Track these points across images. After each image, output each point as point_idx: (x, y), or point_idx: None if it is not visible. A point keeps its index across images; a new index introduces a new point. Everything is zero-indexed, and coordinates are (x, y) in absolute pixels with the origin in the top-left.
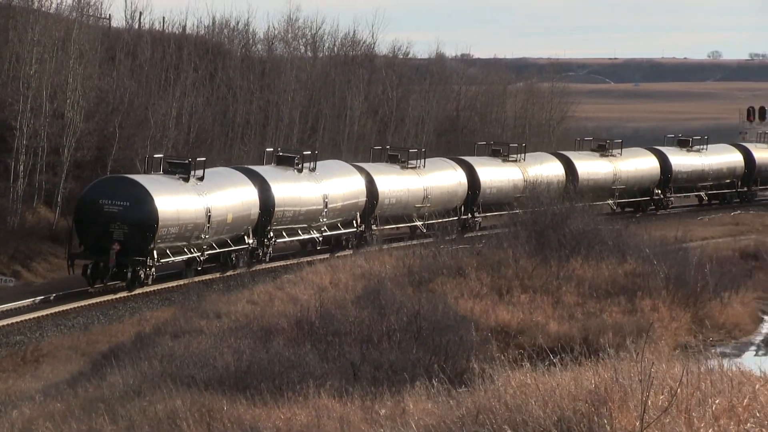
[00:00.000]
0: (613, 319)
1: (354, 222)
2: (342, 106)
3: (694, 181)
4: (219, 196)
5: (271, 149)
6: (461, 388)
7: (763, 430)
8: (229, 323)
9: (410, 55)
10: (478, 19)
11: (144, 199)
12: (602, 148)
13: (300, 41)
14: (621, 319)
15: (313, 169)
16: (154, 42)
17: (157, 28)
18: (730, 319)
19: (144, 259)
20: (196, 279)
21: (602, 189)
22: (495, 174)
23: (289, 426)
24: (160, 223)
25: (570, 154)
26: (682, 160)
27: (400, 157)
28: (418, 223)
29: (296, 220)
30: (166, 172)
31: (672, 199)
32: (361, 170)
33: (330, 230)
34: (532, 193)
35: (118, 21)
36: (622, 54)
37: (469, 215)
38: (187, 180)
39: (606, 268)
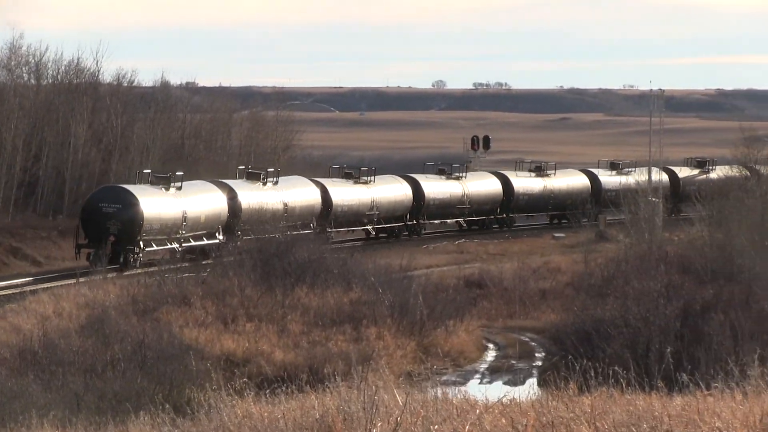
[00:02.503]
0: (338, 348)
1: (311, 224)
2: (66, 134)
3: (621, 198)
4: (193, 201)
5: (243, 167)
6: (186, 418)
7: None
8: None
9: (135, 83)
10: (203, 47)
11: (133, 202)
12: (539, 169)
13: (23, 69)
14: (346, 347)
15: (276, 183)
16: None
17: None
18: (455, 347)
19: (133, 248)
20: None
21: (537, 202)
22: (438, 188)
23: None
24: (144, 220)
25: (508, 173)
26: (610, 179)
27: (353, 174)
28: (369, 227)
29: (260, 221)
30: (152, 183)
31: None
32: (317, 183)
33: (291, 231)
34: (253, 222)
35: None
36: (348, 83)
37: (415, 221)
38: (168, 189)
39: (331, 296)
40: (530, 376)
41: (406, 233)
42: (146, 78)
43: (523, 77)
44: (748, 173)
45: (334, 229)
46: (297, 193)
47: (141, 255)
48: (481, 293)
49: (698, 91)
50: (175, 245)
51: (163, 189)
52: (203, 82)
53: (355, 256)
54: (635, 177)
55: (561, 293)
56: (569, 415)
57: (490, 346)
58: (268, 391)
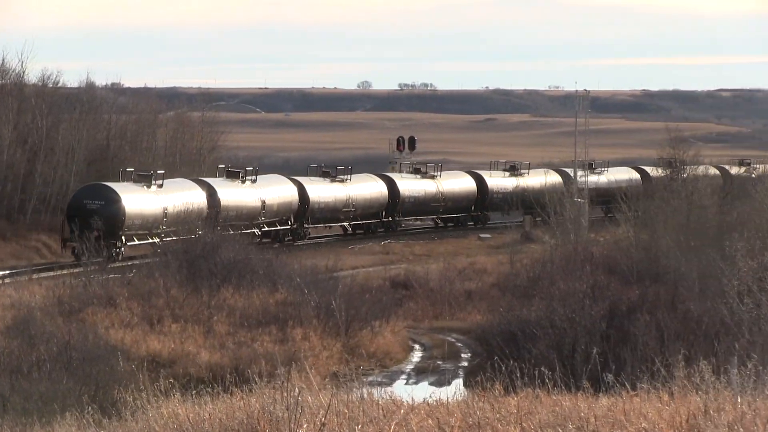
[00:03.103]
0: (264, 348)
1: (289, 221)
2: None
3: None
4: (173, 198)
5: (222, 166)
6: (112, 419)
7: None
8: None
9: (60, 84)
10: (128, 48)
11: (115, 199)
12: (513, 168)
13: None
14: (272, 348)
15: (255, 181)
16: None
17: None
18: (381, 347)
19: (116, 242)
20: None
21: (509, 199)
22: (413, 186)
23: None
24: (126, 216)
25: (482, 172)
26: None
27: (330, 173)
28: (345, 223)
29: (239, 217)
30: (135, 181)
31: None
32: (295, 181)
33: (268, 227)
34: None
35: None
36: (273, 84)
37: (391, 218)
38: (149, 186)
39: (257, 297)
40: (456, 376)
41: (382, 229)
42: (71, 79)
43: (448, 78)
44: (718, 173)
45: (311, 225)
46: (274, 190)
47: (123, 249)
48: (407, 294)
49: (624, 92)
50: (156, 240)
51: (144, 186)
52: (128, 82)
53: (280, 256)
54: (608, 176)
55: (487, 294)
56: (495, 416)
57: (416, 346)
58: (194, 392)
